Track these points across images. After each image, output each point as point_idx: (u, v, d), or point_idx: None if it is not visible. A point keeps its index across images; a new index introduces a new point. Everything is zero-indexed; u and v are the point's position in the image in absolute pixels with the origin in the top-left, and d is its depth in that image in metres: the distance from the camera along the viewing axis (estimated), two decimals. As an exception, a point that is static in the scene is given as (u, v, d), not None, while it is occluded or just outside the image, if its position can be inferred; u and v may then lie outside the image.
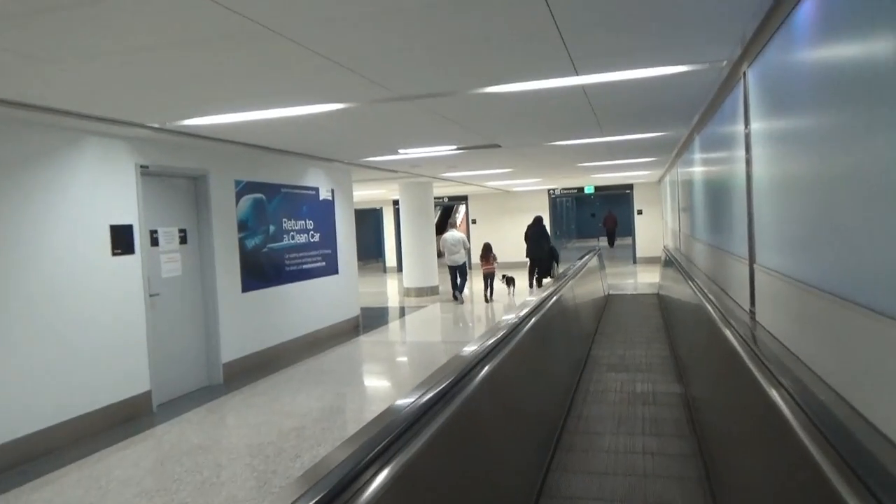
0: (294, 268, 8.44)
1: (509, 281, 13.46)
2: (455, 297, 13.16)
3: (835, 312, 2.13)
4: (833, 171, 2.18)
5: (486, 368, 2.94)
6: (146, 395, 5.87)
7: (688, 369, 5.70)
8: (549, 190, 20.38)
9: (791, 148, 2.85)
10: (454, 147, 8.27)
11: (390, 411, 2.02)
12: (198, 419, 5.58)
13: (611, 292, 13.13)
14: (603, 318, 10.13)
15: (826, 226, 2.27)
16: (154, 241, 6.20)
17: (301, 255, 8.62)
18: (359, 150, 8.28)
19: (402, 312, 12.24)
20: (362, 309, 12.18)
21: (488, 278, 13.03)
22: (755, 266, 3.81)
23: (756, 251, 3.84)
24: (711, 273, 6.05)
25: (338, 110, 5.28)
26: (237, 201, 7.35)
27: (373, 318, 11.28)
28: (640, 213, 19.89)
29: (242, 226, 7.42)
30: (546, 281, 13.19)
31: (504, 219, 20.85)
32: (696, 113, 6.27)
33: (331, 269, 9.42)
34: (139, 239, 5.86)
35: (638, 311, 10.74)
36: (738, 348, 3.06)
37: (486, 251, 13.26)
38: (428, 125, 6.51)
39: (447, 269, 13.38)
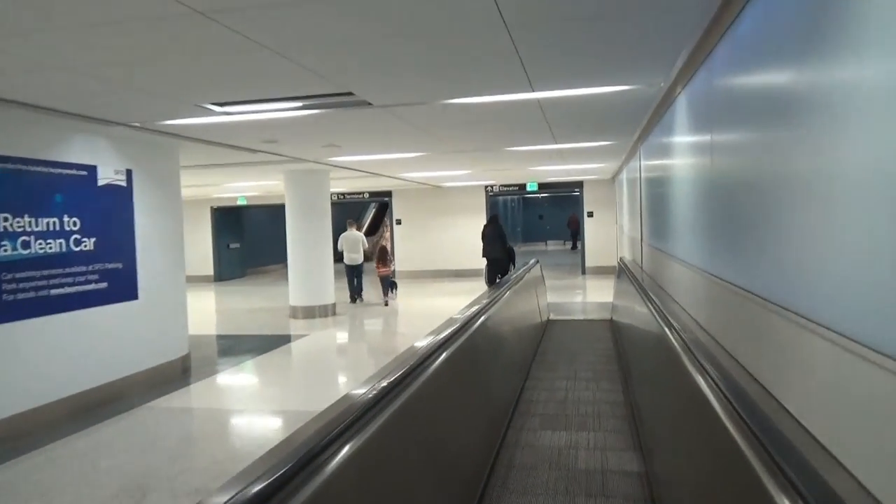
0: (26, 294, 5.13)
1: (392, 285, 13.16)
2: (353, 300, 12.78)
3: None
4: None
5: (347, 448, 1.92)
6: None
7: (648, 429, 4.12)
8: (485, 186, 17.40)
9: None
10: (298, 103, 5.15)
11: None
12: None
13: (551, 315, 10.23)
14: (538, 356, 7.21)
15: None
16: None
17: (46, 273, 5.31)
18: (141, 104, 5.05)
19: (274, 343, 9.01)
20: (222, 339, 9.07)
21: (384, 281, 12.75)
22: None
23: None
24: (727, 335, 3.06)
25: None
26: None
27: (220, 356, 8.04)
28: (590, 215, 17.13)
29: None
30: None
31: (435, 220, 17.79)
32: (686, 44, 3.29)
33: (119, 292, 6.14)
34: None
35: (585, 345, 7.83)
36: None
37: (383, 254, 12.86)
38: (225, 53, 3.42)
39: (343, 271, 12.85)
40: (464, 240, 17.54)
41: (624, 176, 11.74)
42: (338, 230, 12.49)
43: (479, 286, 13.54)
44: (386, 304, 12.49)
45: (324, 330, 10.24)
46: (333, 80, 4.35)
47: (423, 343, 3.22)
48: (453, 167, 11.51)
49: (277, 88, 4.62)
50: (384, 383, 2.40)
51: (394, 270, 15.53)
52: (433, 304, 12.72)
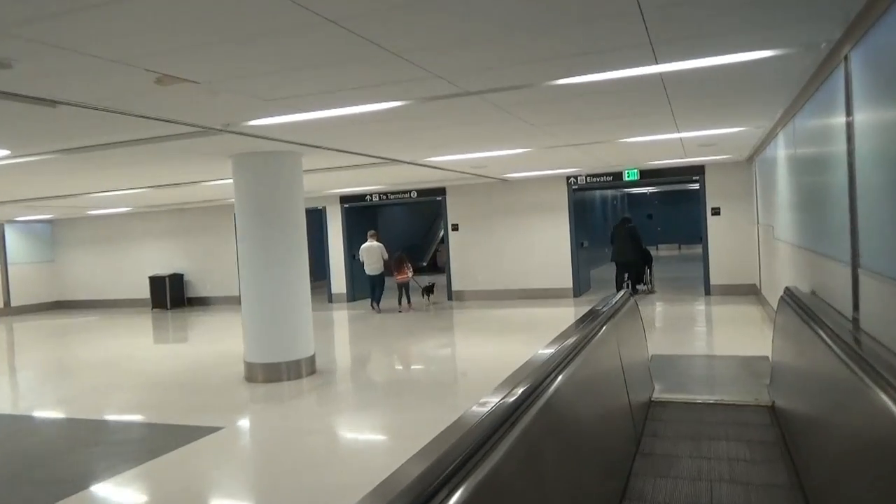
0: None
1: (427, 290, 13.08)
2: (373, 308, 12.72)
3: None
4: None
5: None
6: None
7: None
8: (567, 177, 12.94)
9: None
10: None
11: None
12: None
13: (657, 391, 5.73)
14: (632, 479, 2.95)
15: None
16: None
17: None
18: None
19: (146, 452, 5.14)
20: (102, 431, 5.12)
21: (402, 287, 12.63)
22: None
23: None
24: None
25: None
26: None
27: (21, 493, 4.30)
28: (715, 212, 12.26)
29: None
30: (640, 288, 12.76)
31: (499, 224, 13.53)
32: None
33: None
34: None
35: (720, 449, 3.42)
36: None
37: (400, 262, 12.64)
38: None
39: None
40: (539, 249, 13.16)
41: (780, 150, 7.03)
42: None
43: (563, 315, 9.33)
44: (399, 311, 12.45)
45: (266, 413, 6.32)
46: None
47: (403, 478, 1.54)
48: (490, 137, 7.26)
49: None
50: None
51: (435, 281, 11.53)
52: (485, 352, 8.54)
